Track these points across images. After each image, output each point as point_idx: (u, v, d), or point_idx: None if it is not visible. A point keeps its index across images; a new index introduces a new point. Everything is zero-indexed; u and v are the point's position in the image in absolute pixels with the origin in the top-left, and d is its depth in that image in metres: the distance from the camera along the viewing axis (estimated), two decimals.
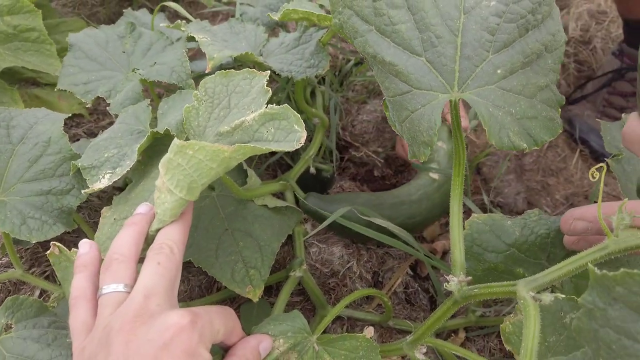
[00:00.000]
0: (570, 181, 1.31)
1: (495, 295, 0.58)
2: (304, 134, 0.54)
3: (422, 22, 0.54)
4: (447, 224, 1.19)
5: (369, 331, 0.75)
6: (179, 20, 0.83)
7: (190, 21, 0.91)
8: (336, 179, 1.19)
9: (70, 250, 0.62)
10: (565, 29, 1.63)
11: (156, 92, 1.29)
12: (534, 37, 0.54)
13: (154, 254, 0.52)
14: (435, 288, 0.99)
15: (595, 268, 0.38)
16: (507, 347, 0.62)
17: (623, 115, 0.85)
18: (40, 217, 0.66)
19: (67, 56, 0.88)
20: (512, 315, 0.63)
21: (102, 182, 0.62)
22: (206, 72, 0.71)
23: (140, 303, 0.47)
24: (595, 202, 0.52)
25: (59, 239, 0.99)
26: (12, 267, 0.79)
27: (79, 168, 0.66)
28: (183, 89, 0.76)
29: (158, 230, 0.55)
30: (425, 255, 0.89)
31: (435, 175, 1.02)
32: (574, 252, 0.63)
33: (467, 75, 0.54)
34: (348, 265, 0.97)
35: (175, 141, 0.50)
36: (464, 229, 0.67)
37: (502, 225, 0.65)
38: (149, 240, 0.56)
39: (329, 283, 0.97)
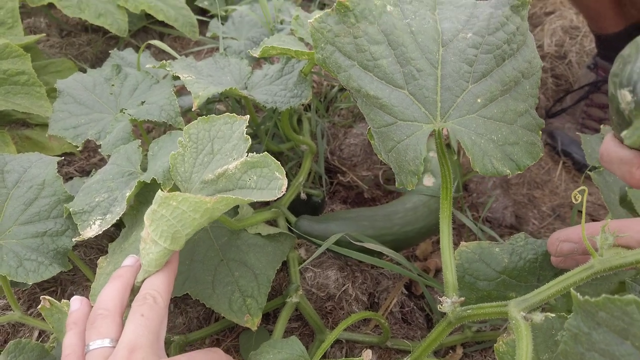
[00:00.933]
0: (555, 193, 1.35)
1: (488, 315, 0.60)
2: (285, 182, 0.56)
3: (403, 56, 0.57)
4: (439, 241, 1.21)
5: (367, 354, 0.76)
6: (164, 60, 0.86)
7: (176, 58, 0.93)
8: (327, 202, 1.21)
9: (61, 301, 0.62)
10: (541, 45, 1.68)
11: (145, 127, 1.31)
12: (511, 65, 0.56)
13: (137, 306, 0.53)
14: (430, 306, 1.01)
15: (578, 294, 0.40)
16: None
17: (602, 127, 0.88)
18: (37, 259, 0.67)
19: (56, 102, 0.90)
20: (505, 335, 0.64)
21: (93, 228, 0.63)
22: (192, 109, 0.73)
23: (124, 358, 0.48)
24: (580, 216, 0.54)
25: (55, 278, 1.00)
26: (10, 309, 0.79)
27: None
28: (172, 126, 0.78)
29: (144, 280, 0.57)
30: (418, 274, 0.91)
31: (429, 183, 1.03)
32: (563, 271, 0.65)
33: (448, 106, 0.56)
34: (344, 288, 0.98)
35: (159, 193, 0.51)
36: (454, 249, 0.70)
37: (491, 253, 0.67)
38: (135, 291, 0.57)
39: (326, 307, 0.99)
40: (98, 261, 0.71)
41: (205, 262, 0.77)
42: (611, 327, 0.37)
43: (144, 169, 0.70)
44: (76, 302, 0.58)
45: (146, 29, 1.69)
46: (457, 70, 0.56)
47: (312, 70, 1.11)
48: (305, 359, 0.67)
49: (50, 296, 0.74)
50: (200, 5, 1.63)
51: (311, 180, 1.23)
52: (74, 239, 0.65)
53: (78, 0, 1.30)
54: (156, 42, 0.99)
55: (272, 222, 0.98)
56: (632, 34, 1.30)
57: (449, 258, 0.65)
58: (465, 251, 0.70)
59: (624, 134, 0.41)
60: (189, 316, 0.96)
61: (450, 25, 0.58)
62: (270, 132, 1.17)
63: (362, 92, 0.58)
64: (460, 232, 1.21)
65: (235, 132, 0.64)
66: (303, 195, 1.06)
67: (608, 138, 0.58)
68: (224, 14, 1.31)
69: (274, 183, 0.56)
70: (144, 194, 0.69)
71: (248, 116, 0.65)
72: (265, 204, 1.18)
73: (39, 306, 0.62)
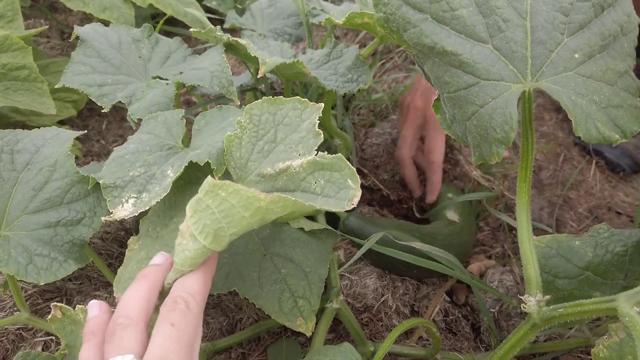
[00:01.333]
0: (590, 193, 1.27)
1: (588, 314, 0.51)
2: (359, 193, 0.48)
3: (486, 5, 0.49)
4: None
5: None
6: (212, 26, 0.77)
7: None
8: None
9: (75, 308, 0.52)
10: None
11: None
12: (610, 17, 0.49)
13: (167, 312, 0.44)
14: (474, 314, 0.92)
15: None
16: None
17: None
18: (49, 254, 0.57)
19: (75, 52, 0.79)
20: (605, 337, 0.55)
21: (126, 207, 0.54)
22: (258, 77, 0.65)
23: None
24: None
25: (59, 287, 0.89)
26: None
27: (96, 185, 0.57)
28: (222, 97, 0.68)
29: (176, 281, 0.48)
30: (471, 278, 0.82)
31: (454, 218, 0.99)
32: None
33: (541, 62, 0.49)
34: (383, 299, 0.89)
35: (209, 179, 0.43)
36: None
37: (570, 247, 0.59)
38: (164, 294, 0.48)
39: (362, 319, 0.89)
40: (129, 242, 0.61)
41: (246, 255, 0.67)
42: None
43: (186, 144, 0.61)
44: (94, 308, 0.49)
45: None
46: (551, 20, 0.49)
47: None
48: None
49: (45, 323, 0.64)
50: (208, 4, 1.57)
51: None
52: (103, 218, 0.55)
53: None
54: (190, 11, 0.90)
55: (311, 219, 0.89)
56: None
57: (529, 251, 0.56)
58: (540, 246, 0.62)
59: None
60: (210, 327, 0.85)
61: None
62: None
63: (437, 48, 0.50)
64: (496, 235, 1.13)
65: (304, 121, 0.56)
66: None
67: None
68: (239, 7, 1.24)
69: (344, 192, 0.48)
70: (188, 173, 0.59)
71: (322, 104, 0.57)
72: None
73: (49, 316, 0.52)
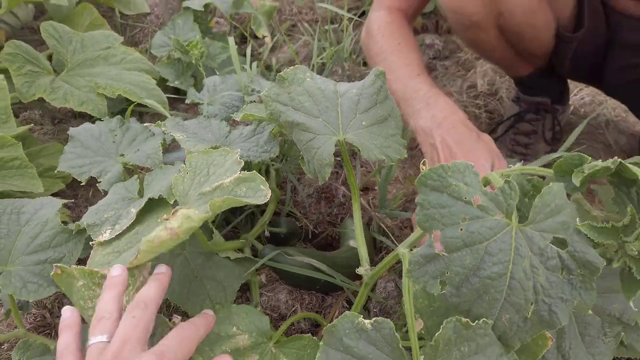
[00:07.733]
0: None
1: (389, 263, 0.77)
2: (269, 192, 0.75)
3: (317, 101, 0.90)
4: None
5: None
6: (159, 121, 1.08)
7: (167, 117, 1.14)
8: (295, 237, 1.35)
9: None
10: (475, 86, 1.90)
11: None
12: (381, 107, 0.92)
13: (131, 308, 0.65)
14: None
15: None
16: None
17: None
18: (37, 282, 0.83)
19: (67, 145, 1.09)
20: None
21: (105, 235, 0.81)
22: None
23: (118, 347, 0.60)
24: None
25: (49, 323, 1.13)
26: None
27: (75, 233, 0.86)
28: None
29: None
30: (347, 284, 1.06)
31: (354, 245, 1.23)
32: None
33: (346, 126, 0.89)
34: (293, 309, 1.13)
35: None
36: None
37: None
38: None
39: (278, 326, 1.10)
40: (94, 243, 0.81)
41: (181, 278, 0.93)
42: (435, 188, 0.58)
43: (141, 195, 0.89)
44: (67, 311, 0.70)
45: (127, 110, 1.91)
46: (350, 107, 0.91)
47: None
48: (267, 337, 0.81)
49: (44, 338, 0.88)
50: (172, 85, 1.86)
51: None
52: (91, 242, 0.81)
53: (64, 93, 1.52)
54: (149, 102, 1.23)
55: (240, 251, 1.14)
56: (542, 73, 1.52)
57: (360, 237, 0.86)
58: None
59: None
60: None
61: (344, 87, 0.95)
62: None
63: (294, 122, 0.87)
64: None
65: (227, 160, 0.83)
66: (267, 233, 1.23)
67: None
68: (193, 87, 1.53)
69: (259, 193, 0.75)
70: (145, 205, 0.85)
71: (239, 149, 0.88)
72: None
73: (52, 273, 0.72)
